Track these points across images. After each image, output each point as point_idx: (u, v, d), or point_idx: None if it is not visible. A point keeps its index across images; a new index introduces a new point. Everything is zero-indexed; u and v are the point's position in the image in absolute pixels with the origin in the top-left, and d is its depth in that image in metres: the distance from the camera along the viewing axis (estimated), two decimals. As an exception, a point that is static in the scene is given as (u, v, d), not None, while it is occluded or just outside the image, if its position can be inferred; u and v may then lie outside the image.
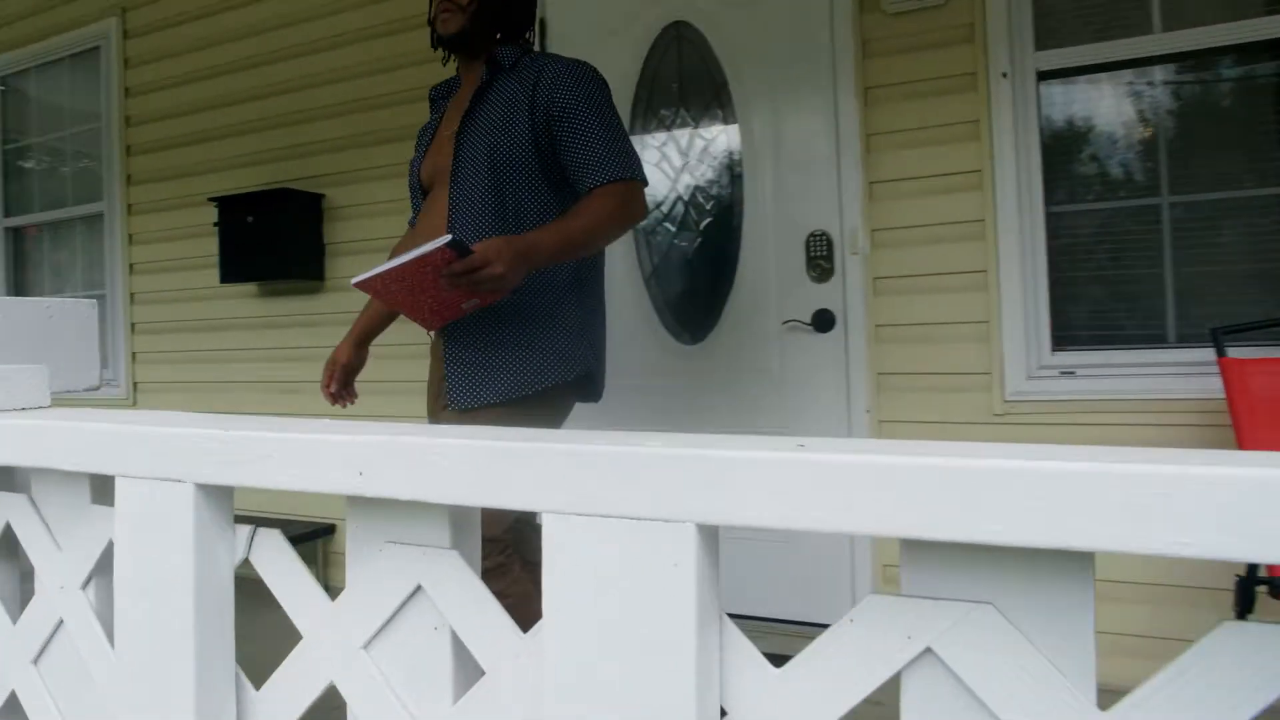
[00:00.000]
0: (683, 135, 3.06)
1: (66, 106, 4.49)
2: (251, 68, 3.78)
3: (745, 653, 0.49)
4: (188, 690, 0.64)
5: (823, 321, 2.81)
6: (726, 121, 2.98)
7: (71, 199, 4.42)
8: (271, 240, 3.42)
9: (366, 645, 0.60)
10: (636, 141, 3.11)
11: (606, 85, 1.87)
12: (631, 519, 0.47)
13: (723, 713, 0.49)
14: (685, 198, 3.06)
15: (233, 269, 3.51)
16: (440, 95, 2.08)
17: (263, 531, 0.66)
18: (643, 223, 3.12)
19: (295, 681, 0.63)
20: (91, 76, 4.36)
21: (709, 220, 3.02)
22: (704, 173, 3.02)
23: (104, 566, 0.73)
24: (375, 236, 3.44)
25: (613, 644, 0.48)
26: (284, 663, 0.64)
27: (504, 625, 0.52)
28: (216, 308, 3.87)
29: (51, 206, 4.50)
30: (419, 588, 0.58)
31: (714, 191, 3.02)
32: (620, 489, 0.47)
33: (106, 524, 0.72)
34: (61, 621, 0.75)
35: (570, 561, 0.49)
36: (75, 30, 4.38)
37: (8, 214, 4.64)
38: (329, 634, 0.62)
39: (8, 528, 0.82)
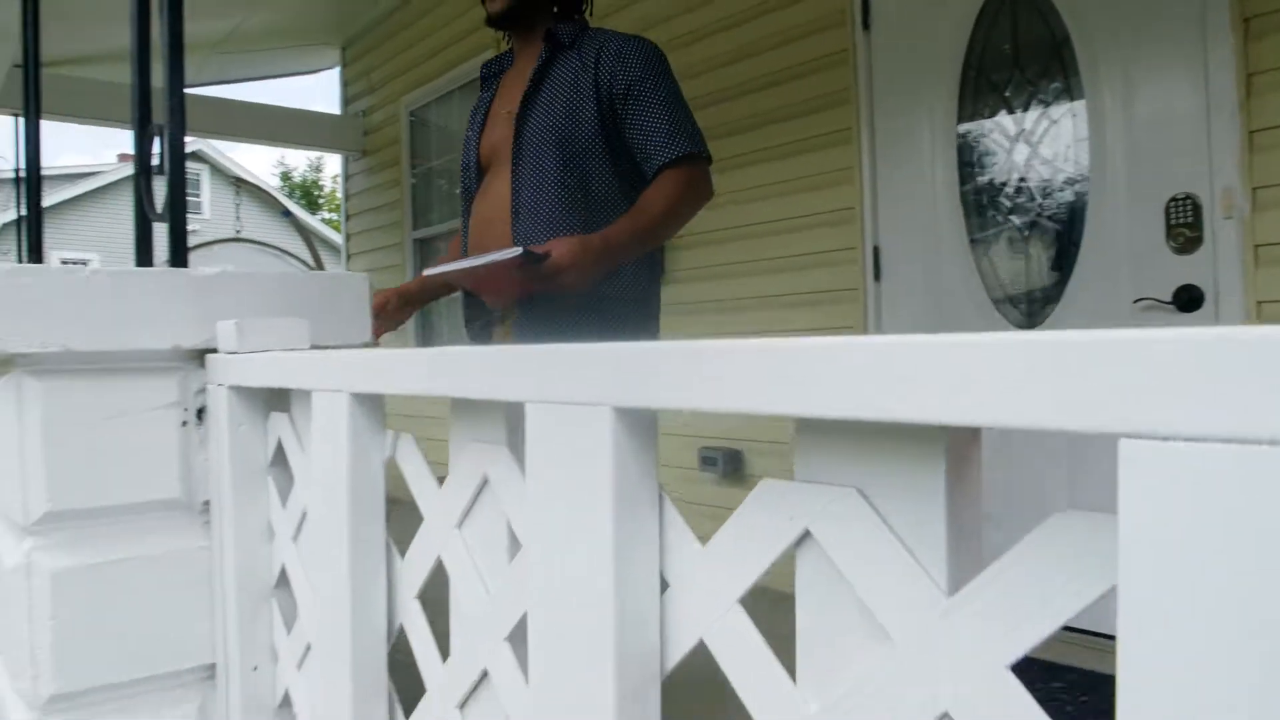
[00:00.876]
0: (1018, 101, 2.90)
1: (458, 131, 5.34)
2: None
3: (680, 531, 0.56)
4: (344, 551, 0.84)
5: (1187, 299, 2.52)
6: (1068, 80, 2.78)
7: (454, 214, 5.26)
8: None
9: (459, 524, 0.76)
10: (966, 116, 3.01)
11: (667, 59, 1.85)
12: (572, 404, 0.56)
13: (666, 585, 0.57)
14: (1021, 167, 2.89)
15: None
16: (492, 72, 2.05)
17: (402, 435, 0.84)
18: (974, 196, 3.01)
19: (421, 553, 0.81)
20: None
21: (1048, 190, 2.83)
22: (1042, 139, 2.84)
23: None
24: (708, 229, 3.68)
25: (568, 517, 0.58)
26: (414, 538, 0.82)
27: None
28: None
29: (449, 219, 5.37)
30: (486, 480, 0.72)
31: (1053, 159, 2.82)
32: (567, 382, 0.57)
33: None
34: (306, 511, 1.01)
35: (542, 443, 0.59)
36: (465, 63, 5.19)
37: (415, 227, 5.62)
38: (436, 517, 0.78)
39: (279, 442, 1.10)
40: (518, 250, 1.52)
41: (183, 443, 1.16)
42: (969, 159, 3.00)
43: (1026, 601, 0.40)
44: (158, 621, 1.14)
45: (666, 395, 0.51)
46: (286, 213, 18.26)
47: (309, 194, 29.86)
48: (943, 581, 0.44)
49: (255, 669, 1.13)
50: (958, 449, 0.44)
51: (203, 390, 1.17)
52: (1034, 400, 0.34)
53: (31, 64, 2.70)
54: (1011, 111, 2.88)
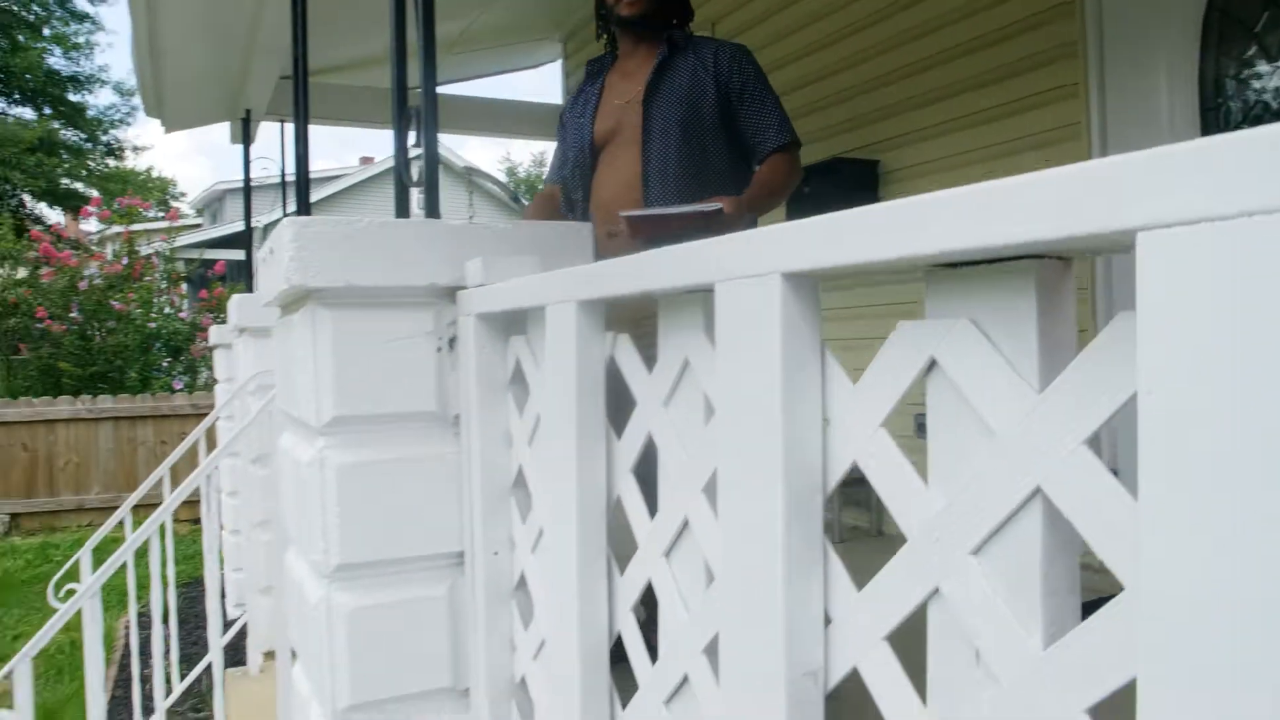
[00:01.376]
0: (1274, 42, 2.72)
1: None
2: (807, 55, 4.32)
3: (838, 376, 0.70)
4: (571, 436, 1.04)
5: None
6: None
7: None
8: (828, 208, 3.88)
9: (666, 403, 0.93)
10: (1209, 65, 2.88)
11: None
12: (749, 277, 0.72)
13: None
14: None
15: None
16: (596, 70, 2.42)
17: (619, 336, 1.02)
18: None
19: (635, 431, 0.99)
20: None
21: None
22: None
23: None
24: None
25: (749, 372, 0.73)
26: (629, 421, 1.00)
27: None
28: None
29: (663, 198, 5.62)
30: (687, 362, 0.89)
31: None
32: (743, 258, 0.72)
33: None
34: (539, 416, 1.22)
35: (728, 315, 0.75)
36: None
37: (633, 208, 5.91)
38: (648, 400, 0.96)
39: (517, 362, 1.32)
40: (716, 205, 1.87)
41: (438, 365, 1.41)
42: (1215, 114, 2.86)
43: (1095, 390, 0.51)
44: (417, 513, 1.39)
45: (819, 255, 0.65)
46: (515, 198, 19.39)
47: (533, 188, 31.61)
48: (1035, 383, 0.56)
49: (496, 554, 1.36)
50: (1046, 280, 0.56)
51: (453, 322, 1.42)
52: (1079, 214, 0.46)
53: (301, 75, 3.15)
54: (1272, 58, 2.72)
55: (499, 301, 1.25)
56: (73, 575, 3.09)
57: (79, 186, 15.52)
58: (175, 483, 3.07)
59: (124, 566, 3.00)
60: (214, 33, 4.22)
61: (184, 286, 9.21)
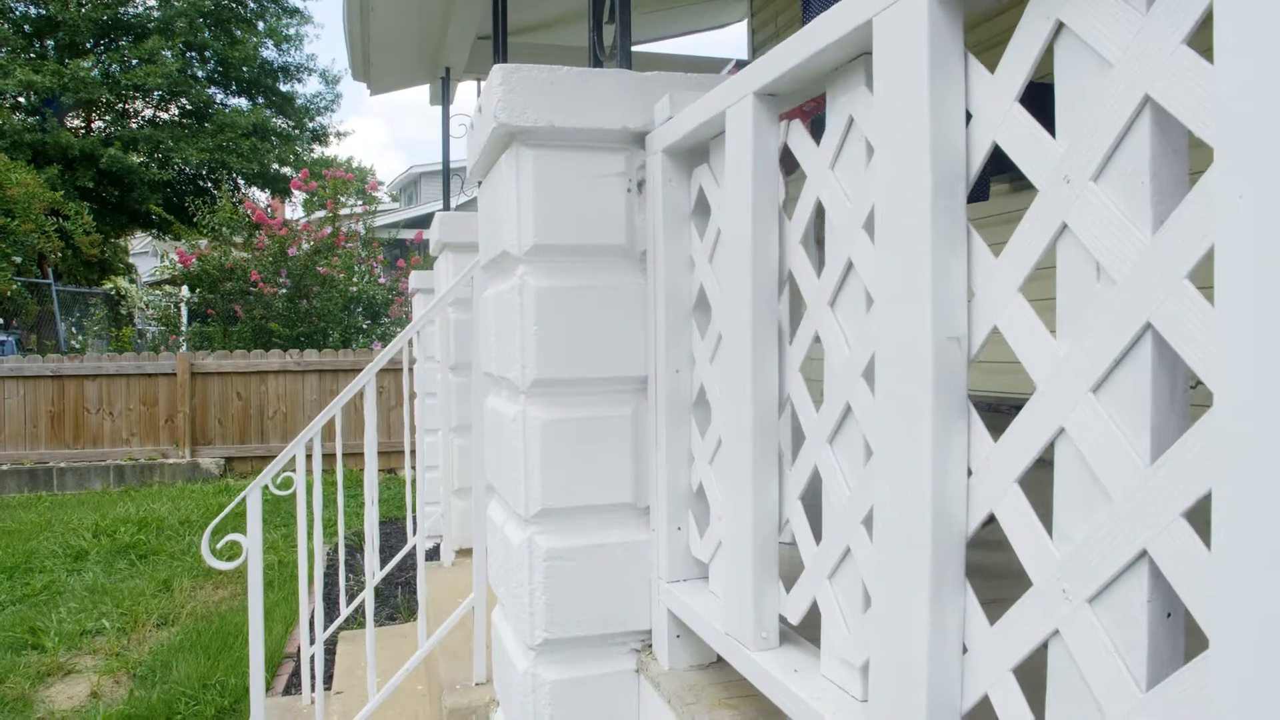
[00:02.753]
0: None
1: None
2: None
3: (977, 69, 0.83)
4: (747, 226, 1.19)
5: None
6: None
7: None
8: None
9: (832, 165, 1.07)
10: None
11: None
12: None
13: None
14: None
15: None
16: None
17: (792, 121, 1.17)
18: None
19: (805, 203, 1.14)
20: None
21: None
22: None
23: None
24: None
25: (902, 105, 0.87)
26: (801, 193, 1.14)
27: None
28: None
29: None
30: (851, 119, 1.03)
31: None
32: (901, -23, 0.86)
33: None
34: (720, 231, 1.38)
35: (884, 49, 0.89)
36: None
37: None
38: (815, 169, 1.10)
39: (699, 191, 1.49)
40: None
41: (628, 204, 1.59)
42: None
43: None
44: (606, 338, 1.58)
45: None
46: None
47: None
48: (1141, 4, 0.67)
49: (677, 372, 1.54)
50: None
51: (642, 165, 1.60)
52: None
53: (500, 34, 3.44)
54: None
55: (684, 127, 1.42)
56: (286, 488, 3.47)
57: (287, 170, 17.04)
58: (380, 433, 3.42)
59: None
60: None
61: (381, 255, 9.97)
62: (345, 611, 3.36)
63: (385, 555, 5.29)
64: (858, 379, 1.01)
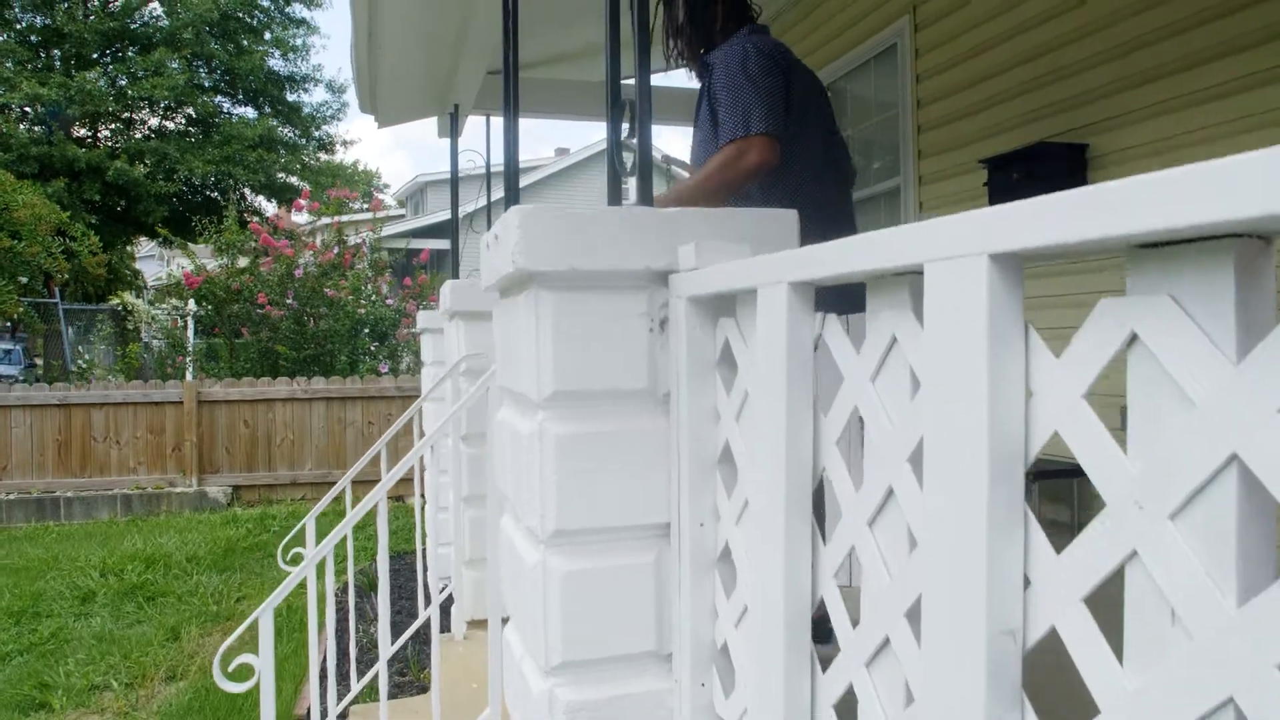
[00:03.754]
0: None
1: (871, 101, 5.56)
2: (1013, 37, 4.23)
3: (1040, 349, 0.78)
4: (780, 426, 1.15)
5: None
6: None
7: (876, 178, 5.48)
8: (1032, 192, 3.80)
9: (873, 378, 1.03)
10: None
11: (763, 53, 2.35)
12: (956, 257, 0.81)
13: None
14: None
15: (995, 225, 4.02)
16: None
17: (827, 316, 1.12)
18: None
19: (842, 405, 1.09)
20: (888, 71, 5.33)
21: None
22: None
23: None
24: (1139, 180, 3.56)
25: (955, 347, 0.82)
26: (835, 397, 1.10)
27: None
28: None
29: (861, 186, 5.62)
30: (894, 338, 0.98)
31: None
32: (951, 239, 0.81)
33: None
34: (747, 392, 1.34)
35: (936, 293, 0.84)
36: (874, 36, 5.40)
37: (829, 197, 5.94)
38: (855, 375, 1.05)
39: (726, 342, 1.44)
40: None
41: (650, 345, 1.55)
42: None
43: (1293, 359, 0.58)
44: (628, 485, 1.54)
45: (1025, 236, 0.73)
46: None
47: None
48: (1233, 356, 0.62)
49: (701, 525, 1.49)
50: (1245, 258, 0.62)
51: (665, 304, 1.55)
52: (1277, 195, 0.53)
53: (511, 70, 3.39)
54: None
55: (711, 284, 1.38)
56: (298, 541, 3.45)
57: (294, 180, 17.04)
58: (392, 460, 3.40)
59: (342, 537, 3.36)
60: (427, 32, 4.57)
61: (388, 274, 9.94)
62: (356, 688, 3.32)
63: (394, 594, 5.26)
64: (899, 618, 0.97)
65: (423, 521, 4.35)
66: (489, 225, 5.78)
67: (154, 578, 5.71)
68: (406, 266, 10.88)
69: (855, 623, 1.07)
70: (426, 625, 3.09)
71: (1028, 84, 4.18)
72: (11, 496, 7.52)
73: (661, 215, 1.54)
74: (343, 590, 5.42)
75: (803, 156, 2.49)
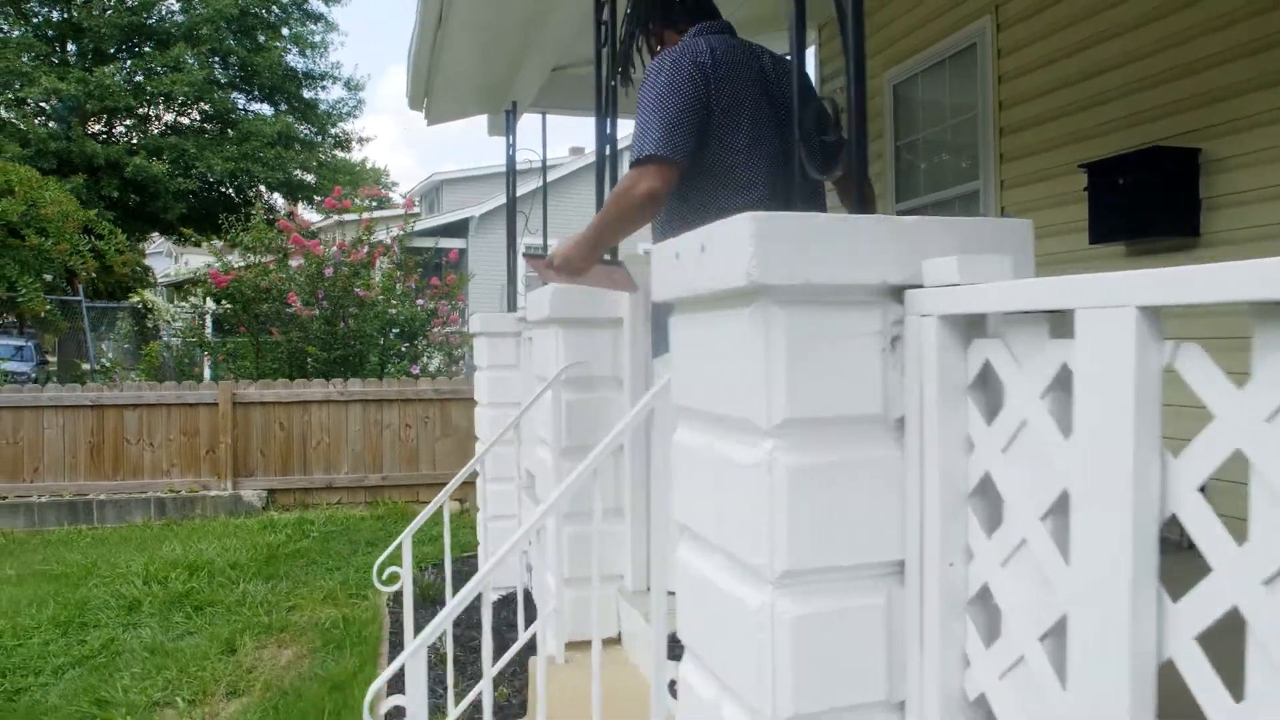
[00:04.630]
0: None
1: (945, 102, 5.42)
2: (1116, 36, 4.09)
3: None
4: (1127, 462, 1.01)
5: None
6: None
7: (950, 181, 5.35)
8: (1142, 199, 3.68)
9: (1270, 418, 0.89)
10: None
11: (678, 67, 2.23)
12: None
13: None
14: None
15: (1102, 230, 3.88)
16: None
17: (1183, 344, 0.99)
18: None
19: (1208, 447, 0.96)
20: (966, 72, 5.20)
21: None
22: None
23: (1058, 382, 1.15)
24: (1262, 185, 3.42)
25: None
26: (1200, 435, 0.96)
27: None
28: (1083, 270, 4.29)
29: (933, 190, 5.49)
30: None
31: None
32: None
33: (1059, 351, 1.14)
34: (1025, 421, 1.20)
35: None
36: (952, 35, 5.26)
37: (898, 200, 5.81)
38: (1231, 411, 0.92)
39: (984, 364, 1.31)
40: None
41: (883, 366, 1.41)
42: None
43: None
44: (858, 520, 1.40)
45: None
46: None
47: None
48: None
49: (951, 565, 1.36)
50: None
51: (898, 321, 1.42)
52: None
53: (607, 69, 3.26)
54: None
55: (983, 301, 1.24)
56: (395, 559, 3.31)
57: (308, 178, 16.91)
58: (449, 463, 3.26)
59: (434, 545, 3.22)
60: (496, 28, 4.45)
61: (418, 273, 9.79)
62: (454, 712, 3.18)
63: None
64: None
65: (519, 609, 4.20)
66: (507, 223, 5.60)
67: (199, 586, 5.57)
68: (438, 266, 10.76)
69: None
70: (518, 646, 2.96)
71: (1129, 86, 4.05)
72: (44, 499, 7.38)
73: (898, 225, 1.41)
74: (394, 601, 5.29)
75: (732, 171, 2.31)
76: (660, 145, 2.17)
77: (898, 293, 1.43)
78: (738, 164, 2.29)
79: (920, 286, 1.40)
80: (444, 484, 7.76)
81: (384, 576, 3.07)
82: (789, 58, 2.38)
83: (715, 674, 1.60)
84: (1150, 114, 3.93)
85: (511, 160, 5.40)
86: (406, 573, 3.11)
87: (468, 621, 4.87)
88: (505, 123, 5.50)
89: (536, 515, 2.02)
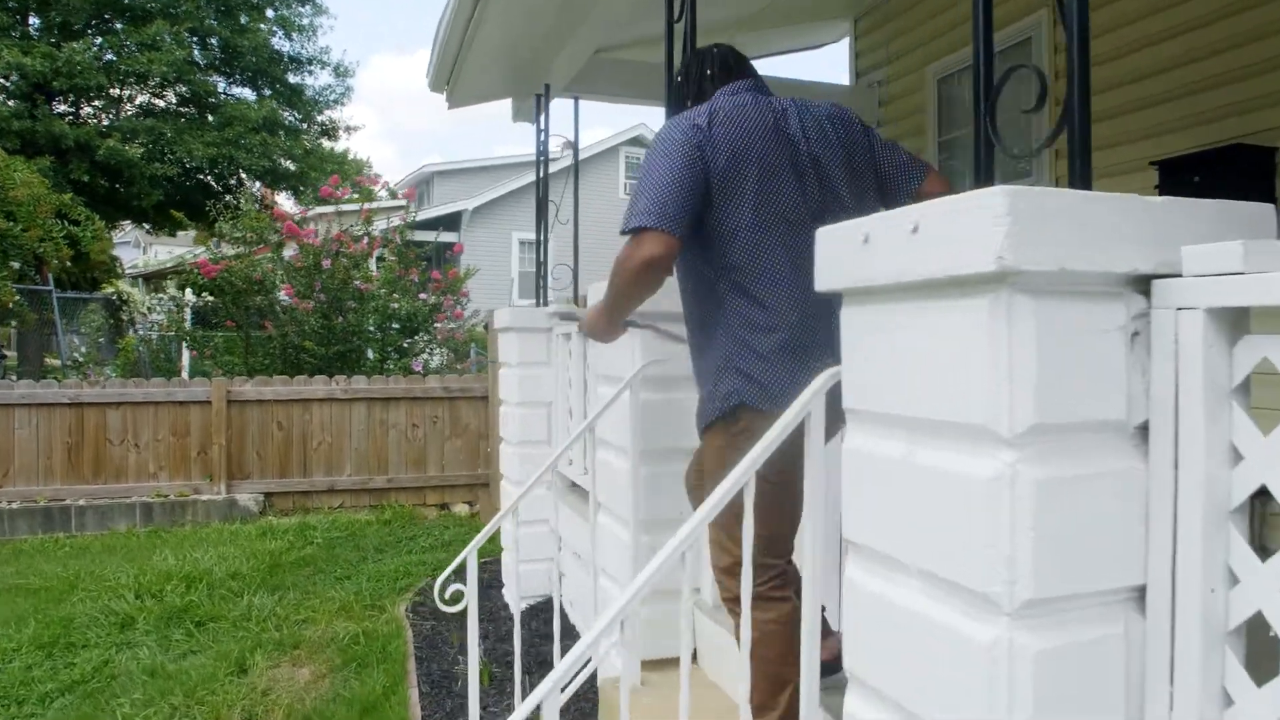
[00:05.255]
0: None
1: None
2: (1188, 31, 4.02)
3: None
4: None
5: None
6: None
7: (999, 178, 5.26)
8: (1218, 198, 3.60)
9: None
10: None
11: (670, 135, 2.23)
12: None
13: None
14: None
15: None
16: None
17: None
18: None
19: None
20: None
21: None
22: None
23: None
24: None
25: None
26: None
27: None
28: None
29: (979, 187, 5.41)
30: None
31: None
32: None
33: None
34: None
35: None
36: (1007, 27, 5.20)
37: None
38: None
39: (1261, 364, 1.20)
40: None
41: (1126, 366, 1.30)
42: None
43: None
44: (1097, 541, 1.29)
45: None
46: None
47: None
48: None
49: (1212, 591, 1.24)
50: None
51: (1141, 315, 1.31)
52: None
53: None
54: None
55: (1270, 291, 1.13)
56: (459, 574, 3.17)
57: (290, 165, 16.64)
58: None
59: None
60: (537, 6, 4.32)
61: (418, 267, 9.62)
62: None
63: (484, 617, 4.96)
64: None
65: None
66: (536, 214, 5.47)
67: (199, 599, 5.36)
68: (433, 259, 10.58)
69: None
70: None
71: (1195, 84, 3.99)
72: (14, 505, 7.11)
73: (1149, 206, 1.30)
74: (413, 613, 5.13)
75: (736, 233, 2.24)
76: (646, 216, 2.17)
77: (1142, 283, 1.31)
78: (742, 225, 2.24)
79: (1174, 275, 1.29)
80: (453, 486, 7.69)
81: (447, 595, 2.91)
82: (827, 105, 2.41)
83: (909, 713, 1.48)
84: (1217, 112, 3.88)
85: (544, 145, 5.27)
86: (472, 592, 2.97)
87: (496, 634, 4.74)
88: (536, 106, 5.37)
89: (681, 534, 1.88)
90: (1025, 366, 1.26)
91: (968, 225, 1.28)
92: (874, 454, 1.57)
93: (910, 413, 1.47)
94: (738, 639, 2.09)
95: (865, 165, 2.34)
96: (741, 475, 1.79)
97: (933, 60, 5.79)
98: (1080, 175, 1.51)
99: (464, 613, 5.14)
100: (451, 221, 17.68)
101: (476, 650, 3.13)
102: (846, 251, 1.61)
